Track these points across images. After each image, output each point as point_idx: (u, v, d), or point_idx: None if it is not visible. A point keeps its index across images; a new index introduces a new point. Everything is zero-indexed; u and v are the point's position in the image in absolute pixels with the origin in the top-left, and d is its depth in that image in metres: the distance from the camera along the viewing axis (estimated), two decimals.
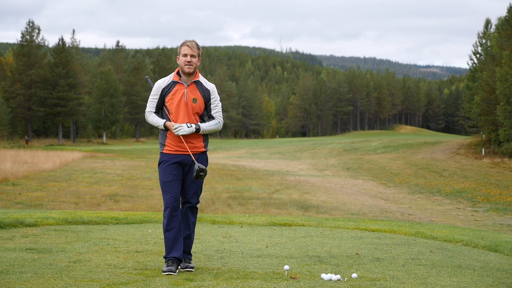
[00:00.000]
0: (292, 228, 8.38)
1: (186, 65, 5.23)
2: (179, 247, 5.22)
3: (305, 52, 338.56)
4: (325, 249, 6.52)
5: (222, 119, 5.39)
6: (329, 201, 20.64)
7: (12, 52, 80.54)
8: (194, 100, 5.26)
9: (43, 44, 74.73)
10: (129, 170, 30.27)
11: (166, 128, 5.25)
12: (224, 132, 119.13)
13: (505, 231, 13.78)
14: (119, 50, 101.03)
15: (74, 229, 7.58)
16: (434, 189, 26.16)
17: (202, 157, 5.35)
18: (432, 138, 69.71)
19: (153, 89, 5.33)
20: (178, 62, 5.30)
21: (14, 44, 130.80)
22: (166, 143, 5.29)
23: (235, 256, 5.95)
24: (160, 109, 5.36)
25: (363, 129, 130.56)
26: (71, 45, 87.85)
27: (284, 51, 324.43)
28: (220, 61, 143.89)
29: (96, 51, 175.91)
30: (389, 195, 24.16)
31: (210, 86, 5.37)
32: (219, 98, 5.43)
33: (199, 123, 5.25)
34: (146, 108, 5.37)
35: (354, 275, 5.01)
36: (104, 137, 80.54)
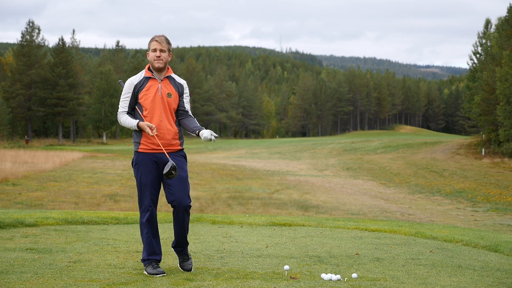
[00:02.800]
0: (292, 228, 8.37)
1: (156, 60, 5.07)
2: (159, 248, 5.14)
3: (305, 52, 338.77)
4: (325, 249, 6.52)
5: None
6: (329, 201, 20.64)
7: (12, 52, 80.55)
8: (169, 95, 5.11)
9: (43, 44, 74.76)
10: (129, 170, 30.26)
11: (139, 129, 5.01)
12: (224, 132, 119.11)
13: (505, 231, 13.78)
14: (119, 50, 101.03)
15: (74, 229, 7.57)
16: (434, 189, 26.16)
17: (179, 154, 5.15)
18: (432, 138, 69.70)
19: (124, 87, 5.11)
20: (148, 58, 5.15)
21: (14, 44, 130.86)
22: (141, 141, 5.07)
23: (235, 256, 5.95)
24: (133, 109, 5.13)
25: (363, 129, 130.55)
26: (71, 45, 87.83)
27: (284, 51, 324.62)
28: (220, 61, 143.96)
29: (96, 51, 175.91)
30: (389, 195, 24.16)
31: (182, 81, 5.27)
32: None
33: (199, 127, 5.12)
34: (119, 109, 5.13)
35: (354, 275, 5.01)
36: (104, 137, 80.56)
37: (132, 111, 5.14)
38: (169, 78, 5.20)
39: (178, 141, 5.15)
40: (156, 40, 5.10)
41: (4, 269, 4.98)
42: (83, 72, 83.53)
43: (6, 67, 78.72)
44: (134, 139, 5.14)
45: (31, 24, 72.99)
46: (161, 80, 5.14)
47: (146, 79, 5.12)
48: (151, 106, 5.05)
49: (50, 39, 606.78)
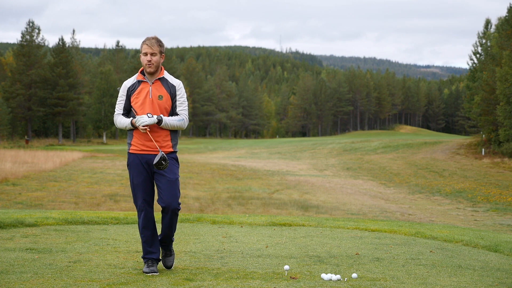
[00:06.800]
0: (292, 228, 8.37)
1: (147, 64, 5.08)
2: (156, 248, 5.18)
3: (305, 52, 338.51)
4: (325, 249, 6.52)
5: (187, 117, 5.18)
6: (329, 201, 20.64)
7: (12, 52, 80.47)
8: (160, 97, 5.10)
9: (43, 44, 74.72)
10: None
11: (134, 127, 5.05)
12: (224, 132, 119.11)
13: (505, 231, 13.78)
14: (119, 50, 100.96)
15: (74, 229, 7.57)
16: (434, 189, 26.16)
17: (170, 156, 5.14)
18: (432, 138, 69.68)
19: (120, 91, 5.17)
20: (140, 60, 5.18)
21: (14, 44, 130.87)
22: (132, 143, 5.12)
23: (235, 256, 5.95)
24: (129, 112, 5.18)
25: (363, 129, 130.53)
26: (71, 45, 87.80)
27: (284, 51, 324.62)
28: (220, 61, 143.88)
29: (96, 51, 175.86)
30: (389, 195, 24.16)
31: (176, 82, 5.21)
32: (185, 96, 5.27)
33: (161, 115, 5.06)
34: (115, 111, 5.19)
35: (354, 275, 5.01)
36: (104, 137, 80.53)
37: (128, 114, 5.19)
38: (162, 79, 5.19)
39: (169, 143, 5.16)
40: (147, 44, 5.09)
41: (4, 269, 4.98)
42: (83, 72, 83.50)
43: (6, 67, 78.66)
44: (127, 140, 5.21)
45: (31, 24, 72.94)
46: (152, 83, 5.15)
47: (138, 83, 5.16)
48: (141, 109, 5.06)
49: (50, 39, 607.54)
